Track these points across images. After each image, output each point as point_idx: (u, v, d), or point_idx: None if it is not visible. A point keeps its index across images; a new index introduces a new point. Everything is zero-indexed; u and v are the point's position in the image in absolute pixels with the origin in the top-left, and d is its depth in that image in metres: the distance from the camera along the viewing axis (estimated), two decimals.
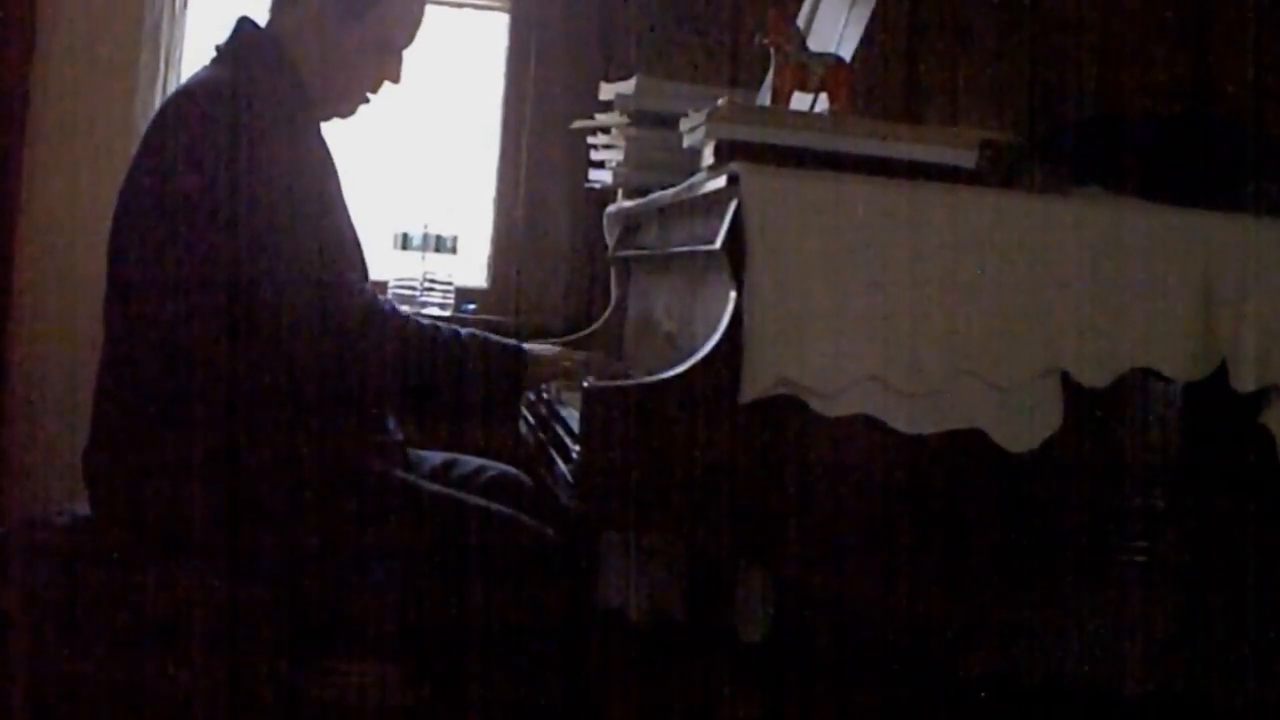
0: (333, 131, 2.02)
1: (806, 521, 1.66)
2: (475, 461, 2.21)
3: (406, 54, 2.01)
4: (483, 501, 1.92)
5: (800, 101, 1.94)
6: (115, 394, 1.85)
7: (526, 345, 1.94)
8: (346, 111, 2.01)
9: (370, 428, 1.96)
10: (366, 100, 2.01)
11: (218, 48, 1.96)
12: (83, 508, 1.91)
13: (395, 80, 2.01)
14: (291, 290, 1.76)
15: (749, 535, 1.66)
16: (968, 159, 1.80)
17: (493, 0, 3.02)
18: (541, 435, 1.99)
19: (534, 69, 2.96)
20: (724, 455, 1.63)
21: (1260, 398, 1.75)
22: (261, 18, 1.97)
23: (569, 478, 1.65)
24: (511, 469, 2.20)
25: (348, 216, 1.99)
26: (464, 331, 1.88)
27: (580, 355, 2.00)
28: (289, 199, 1.78)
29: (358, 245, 2.00)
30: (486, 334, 1.91)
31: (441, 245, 2.85)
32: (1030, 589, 1.93)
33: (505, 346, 1.90)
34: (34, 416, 2.56)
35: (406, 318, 1.86)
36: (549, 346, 2.04)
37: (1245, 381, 1.73)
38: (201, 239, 1.76)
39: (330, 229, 1.87)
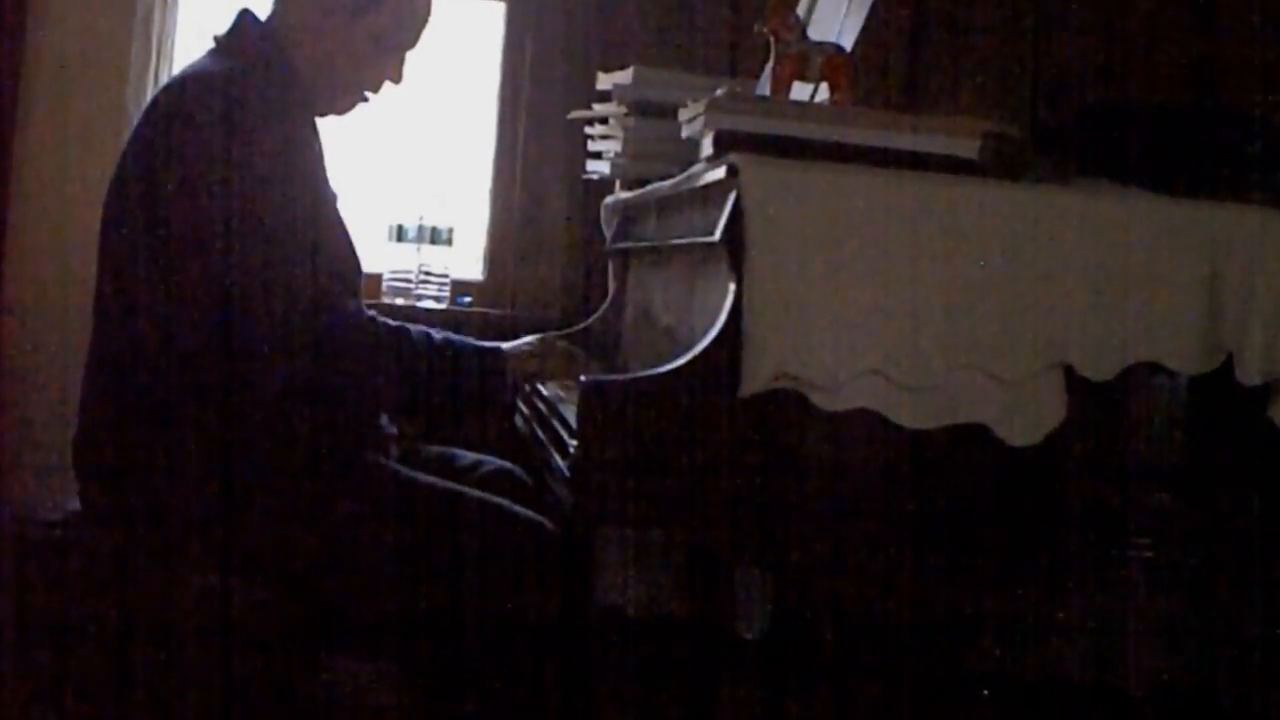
0: (327, 123, 2.00)
1: (807, 517, 1.65)
2: (472, 456, 2.20)
3: (409, 53, 1.99)
4: (479, 493, 1.91)
5: (801, 91, 1.92)
6: (104, 386, 1.84)
7: (506, 345, 1.93)
8: (343, 109, 2.00)
9: (361, 421, 1.94)
10: (365, 99, 1.99)
11: (216, 39, 1.95)
12: (74, 503, 1.89)
13: (396, 81, 2.00)
14: (278, 286, 1.75)
15: (748, 531, 1.65)
16: (970, 150, 1.78)
17: None
18: (539, 430, 1.97)
19: (531, 59, 2.94)
20: (723, 450, 1.61)
21: (1266, 391, 1.73)
22: (264, 11, 1.96)
23: (566, 473, 1.63)
24: (508, 464, 2.18)
25: (338, 213, 1.97)
26: (438, 336, 1.86)
27: (562, 347, 1.98)
28: (278, 193, 1.77)
29: (348, 243, 1.98)
30: (464, 339, 1.89)
31: (437, 237, 2.84)
32: (1034, 585, 1.92)
33: (482, 349, 1.88)
34: (26, 411, 2.55)
35: (383, 324, 1.85)
36: (529, 341, 2.01)
37: (1251, 375, 1.72)
38: (189, 232, 1.75)
39: (319, 226, 1.86)
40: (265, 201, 1.76)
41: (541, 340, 2.01)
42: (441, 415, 2.00)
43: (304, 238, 1.79)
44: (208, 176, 1.75)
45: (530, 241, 2.93)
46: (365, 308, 1.90)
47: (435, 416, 2.05)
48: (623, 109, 2.38)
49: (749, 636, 2.30)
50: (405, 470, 1.93)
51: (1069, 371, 1.69)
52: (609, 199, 2.53)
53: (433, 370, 1.84)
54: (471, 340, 1.91)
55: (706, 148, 1.81)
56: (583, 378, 1.62)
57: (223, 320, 1.76)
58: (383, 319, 1.87)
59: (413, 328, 1.87)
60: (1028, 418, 1.68)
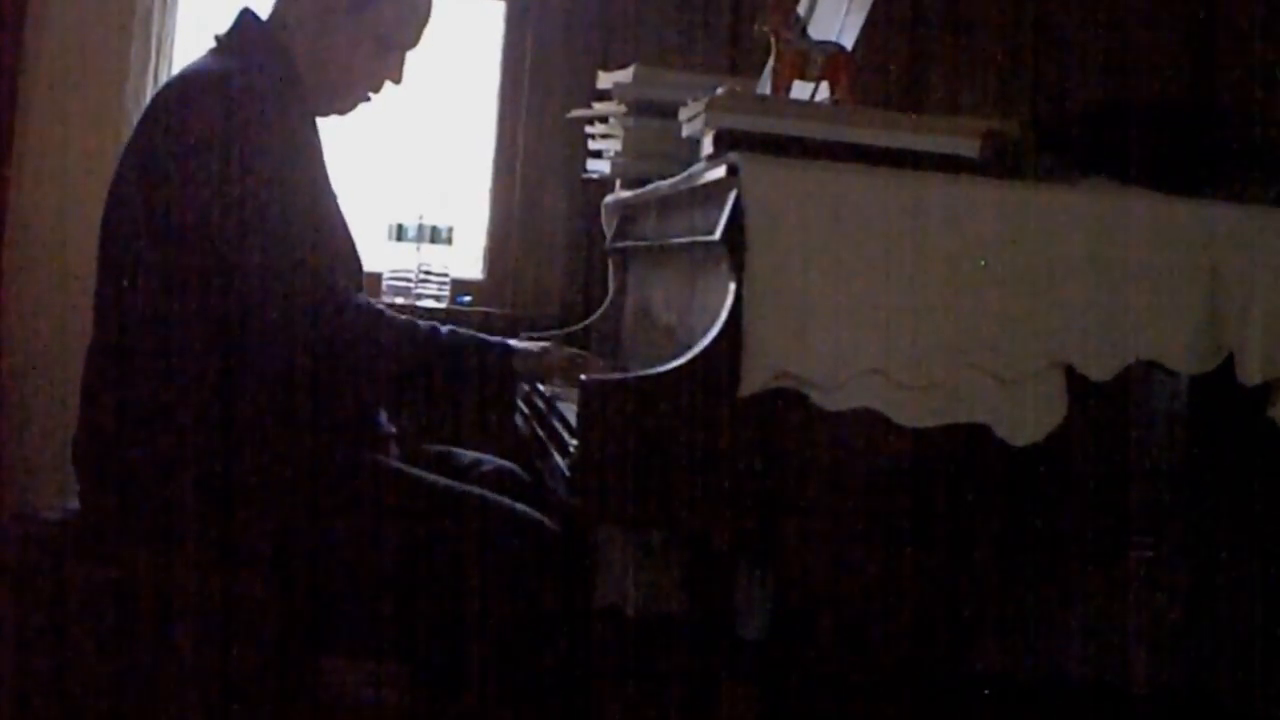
0: (327, 122, 2.00)
1: (807, 516, 1.65)
2: (471, 455, 2.19)
3: (410, 53, 1.99)
4: (479, 491, 1.91)
5: (801, 90, 1.91)
6: (104, 386, 1.84)
7: (513, 342, 1.92)
8: (344, 108, 2.00)
9: (360, 420, 1.94)
10: (367, 98, 1.99)
11: (217, 38, 1.95)
12: (74, 502, 1.89)
13: (396, 80, 1.99)
14: (280, 283, 1.75)
15: (749, 530, 1.65)
16: (970, 149, 1.78)
17: None
18: (539, 429, 1.97)
19: (530, 58, 2.94)
20: (723, 449, 1.61)
21: (1267, 391, 1.73)
22: (264, 10, 1.96)
23: (566, 472, 1.63)
24: (508, 463, 2.18)
25: (339, 211, 1.97)
26: (446, 330, 1.86)
27: (568, 351, 1.97)
28: (278, 191, 1.77)
29: (349, 240, 1.98)
30: (472, 333, 1.89)
31: (437, 236, 2.84)
32: (1034, 584, 1.92)
33: (490, 345, 1.88)
34: (26, 411, 2.54)
35: (390, 316, 1.85)
36: (537, 344, 2.01)
37: (1252, 375, 1.71)
38: (191, 231, 1.75)
39: (320, 223, 1.86)
40: (266, 198, 1.75)
41: (546, 347, 1.98)
42: (444, 406, 1.99)
43: (304, 234, 1.79)
44: (208, 174, 1.75)
45: (530, 240, 2.93)
46: (368, 299, 1.90)
47: (438, 408, 2.04)
48: (623, 108, 2.38)
49: (749, 637, 2.30)
50: (406, 468, 1.92)
51: (1069, 371, 1.69)
52: (609, 198, 2.53)
53: (438, 359, 1.84)
54: (480, 334, 1.91)
55: (707, 147, 1.81)
56: (583, 377, 1.62)
57: (224, 318, 1.75)
58: (389, 311, 1.87)
59: (421, 321, 1.88)
60: (1028, 417, 1.67)
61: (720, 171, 1.69)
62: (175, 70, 2.31)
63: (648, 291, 2.27)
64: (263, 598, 1.77)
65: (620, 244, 2.48)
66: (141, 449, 1.79)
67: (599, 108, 2.48)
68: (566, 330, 2.47)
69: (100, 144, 2.52)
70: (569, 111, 2.62)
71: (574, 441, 1.62)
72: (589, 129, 2.54)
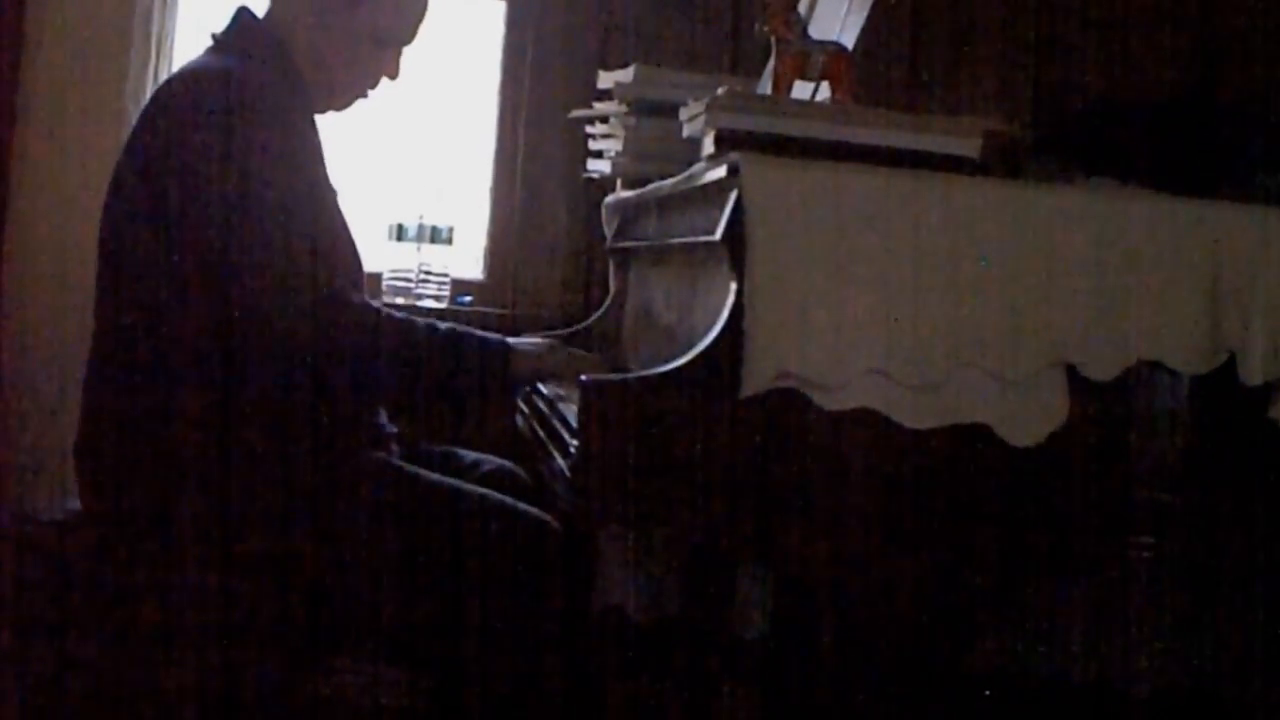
0: (327, 121, 2.00)
1: (808, 517, 1.65)
2: (472, 455, 2.19)
3: (406, 49, 1.99)
4: (481, 490, 1.91)
5: (801, 90, 1.91)
6: (105, 386, 1.84)
7: (513, 340, 1.92)
8: (342, 105, 2.00)
9: (362, 419, 1.94)
10: (365, 95, 1.99)
11: (214, 36, 1.94)
12: (74, 502, 1.89)
13: (393, 77, 2.00)
14: (280, 283, 1.74)
15: (749, 531, 1.65)
16: (971, 149, 1.77)
17: None
18: (539, 430, 1.97)
19: (531, 57, 2.93)
20: (724, 450, 1.61)
21: (1268, 391, 1.73)
22: (261, 8, 1.95)
23: (566, 473, 1.63)
24: (509, 464, 2.18)
25: (339, 209, 1.97)
26: (444, 327, 1.86)
27: (565, 353, 1.98)
28: (279, 190, 1.77)
29: (350, 239, 1.98)
30: (470, 330, 1.89)
31: (437, 236, 2.84)
32: (1035, 585, 1.92)
33: (489, 342, 1.88)
34: (26, 411, 2.54)
35: (388, 315, 1.85)
36: (536, 341, 2.01)
37: (1254, 375, 1.71)
38: (191, 229, 1.75)
39: (321, 221, 1.86)
40: (266, 196, 1.75)
41: (550, 344, 2.00)
42: (443, 406, 1.99)
43: (305, 231, 1.78)
44: (208, 173, 1.75)
45: (531, 240, 2.93)
46: (368, 299, 1.90)
47: (437, 408, 2.04)
48: (623, 108, 2.37)
49: (750, 637, 2.30)
50: (407, 467, 1.92)
51: (1071, 371, 1.69)
52: (610, 198, 2.53)
53: (436, 359, 1.84)
54: (478, 332, 1.91)
55: (707, 146, 1.80)
56: (583, 377, 1.62)
57: (224, 317, 1.75)
58: (387, 309, 1.87)
59: (419, 319, 1.88)
60: (1029, 417, 1.67)
61: (721, 171, 1.69)
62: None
63: (648, 291, 2.27)
64: (264, 597, 1.77)
65: (620, 244, 2.48)
66: (141, 449, 1.79)
67: (599, 108, 2.48)
68: (569, 330, 2.47)
69: (100, 144, 2.51)
70: (569, 111, 2.62)
71: (574, 442, 1.62)
72: (589, 129, 2.54)
